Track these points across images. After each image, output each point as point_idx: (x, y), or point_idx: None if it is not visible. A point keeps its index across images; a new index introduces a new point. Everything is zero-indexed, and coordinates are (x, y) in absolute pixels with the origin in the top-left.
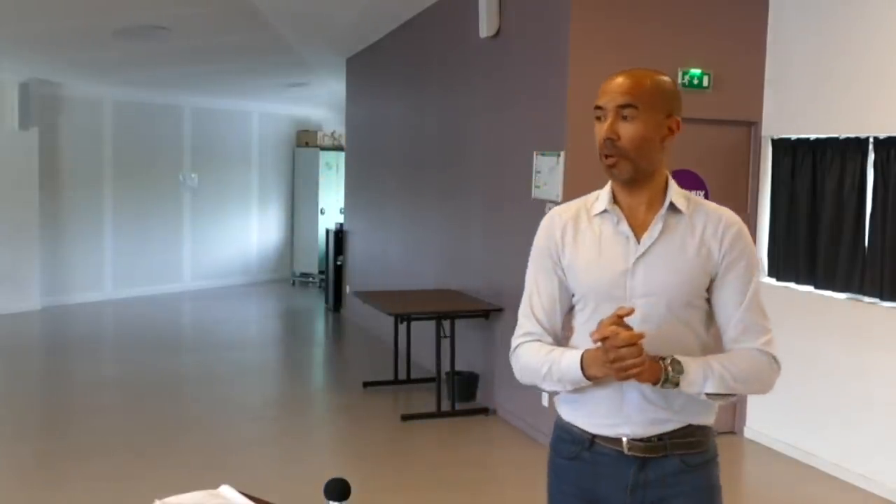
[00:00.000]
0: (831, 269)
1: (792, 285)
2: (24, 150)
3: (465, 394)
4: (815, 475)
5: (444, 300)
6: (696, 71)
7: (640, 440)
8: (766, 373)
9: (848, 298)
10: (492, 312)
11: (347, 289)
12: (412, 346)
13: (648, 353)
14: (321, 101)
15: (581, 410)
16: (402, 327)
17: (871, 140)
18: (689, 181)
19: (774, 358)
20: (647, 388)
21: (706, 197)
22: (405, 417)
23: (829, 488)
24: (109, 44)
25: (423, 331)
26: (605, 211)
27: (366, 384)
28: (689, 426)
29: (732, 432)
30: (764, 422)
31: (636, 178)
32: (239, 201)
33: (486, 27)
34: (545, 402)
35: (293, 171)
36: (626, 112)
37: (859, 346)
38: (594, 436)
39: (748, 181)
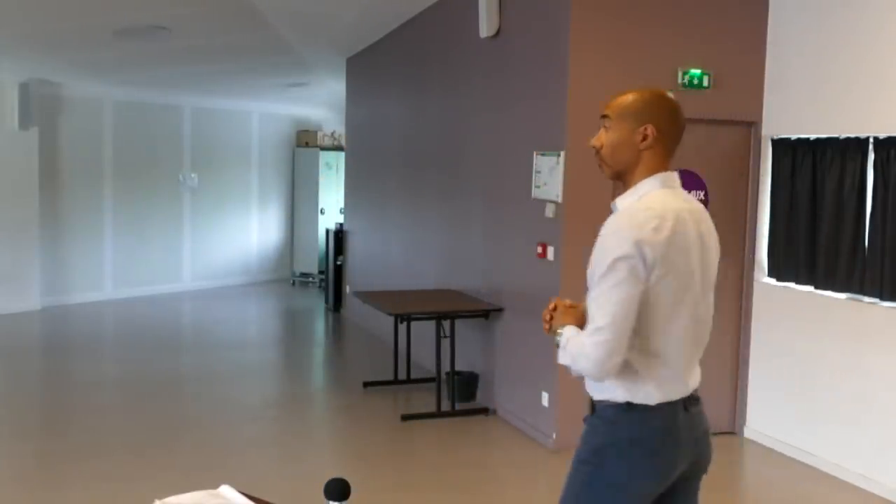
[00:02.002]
0: (831, 269)
1: (792, 285)
2: (24, 150)
3: (465, 394)
4: (815, 475)
5: (444, 300)
6: (696, 71)
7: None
8: (580, 357)
9: (848, 298)
10: (492, 312)
11: (347, 289)
12: (412, 346)
13: (570, 322)
14: (321, 101)
15: None
16: (402, 327)
17: (871, 140)
18: (689, 181)
19: (586, 347)
20: None
21: (706, 197)
22: (405, 417)
23: (829, 488)
24: (109, 44)
25: (423, 331)
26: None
27: (366, 384)
28: (589, 393)
29: (732, 432)
30: (764, 422)
31: (619, 177)
32: (239, 201)
33: (486, 27)
34: (545, 402)
35: (293, 171)
36: (605, 123)
37: (859, 346)
38: None
39: (748, 181)
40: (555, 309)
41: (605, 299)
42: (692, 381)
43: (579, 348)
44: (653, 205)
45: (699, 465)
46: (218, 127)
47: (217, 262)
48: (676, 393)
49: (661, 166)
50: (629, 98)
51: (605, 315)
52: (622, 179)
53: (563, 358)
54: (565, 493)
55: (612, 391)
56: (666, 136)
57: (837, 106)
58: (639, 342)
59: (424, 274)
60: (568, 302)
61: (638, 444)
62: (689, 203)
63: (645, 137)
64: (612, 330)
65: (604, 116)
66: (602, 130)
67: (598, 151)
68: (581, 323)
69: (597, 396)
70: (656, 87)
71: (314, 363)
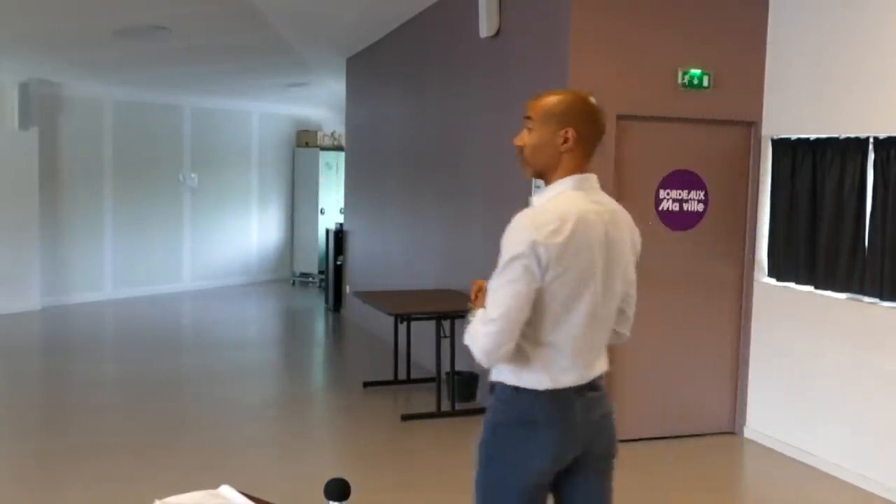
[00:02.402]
0: (831, 269)
1: (792, 285)
2: (24, 150)
3: (465, 394)
4: (815, 475)
5: (444, 300)
6: (696, 71)
7: None
8: (472, 342)
9: (848, 298)
10: None
11: (347, 289)
12: (412, 346)
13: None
14: (321, 101)
15: None
16: (402, 327)
17: (871, 140)
18: (689, 181)
19: (478, 334)
20: None
21: (706, 197)
22: (405, 417)
23: (829, 488)
24: (109, 44)
25: (423, 331)
26: None
27: (366, 384)
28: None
29: (732, 432)
30: (764, 422)
31: (539, 176)
32: (239, 201)
33: (486, 27)
34: None
35: (293, 171)
36: (528, 124)
37: (859, 346)
38: None
39: (748, 181)
40: (479, 289)
41: (501, 293)
42: (593, 370)
43: (474, 335)
44: (558, 206)
45: (602, 448)
46: (218, 127)
47: (217, 262)
48: (570, 381)
49: (580, 168)
50: (552, 101)
51: (498, 307)
52: (543, 178)
53: (467, 339)
54: (476, 473)
55: (505, 374)
56: (585, 139)
57: (837, 106)
58: (532, 333)
59: (424, 274)
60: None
61: (526, 425)
62: (601, 205)
63: (566, 140)
64: (504, 322)
65: (527, 118)
66: (525, 131)
67: (520, 151)
68: (482, 306)
69: (494, 377)
70: (578, 91)
71: (314, 363)
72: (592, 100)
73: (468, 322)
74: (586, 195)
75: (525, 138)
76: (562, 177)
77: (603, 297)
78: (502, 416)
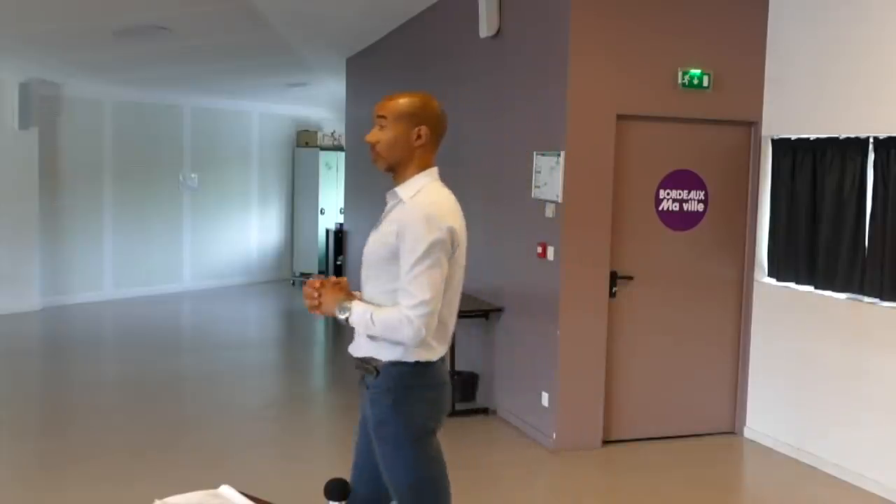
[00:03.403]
0: (831, 269)
1: (792, 285)
2: (24, 150)
3: (465, 394)
4: (815, 475)
5: None
6: (696, 71)
7: (356, 358)
8: (401, 327)
9: (848, 298)
10: (492, 312)
11: None
12: None
13: (342, 297)
14: (321, 101)
15: None
16: None
17: (871, 140)
18: (689, 181)
19: (410, 319)
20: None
21: (706, 197)
22: None
23: (829, 488)
24: (109, 44)
25: None
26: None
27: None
28: (371, 356)
29: (732, 432)
30: (764, 422)
31: (392, 170)
32: (239, 201)
33: (486, 27)
34: (545, 402)
35: (293, 171)
36: (381, 122)
37: (859, 346)
38: None
39: (748, 181)
40: (321, 286)
41: (426, 277)
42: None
43: (398, 320)
44: (444, 196)
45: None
46: (218, 127)
47: (217, 262)
48: (444, 350)
49: (430, 162)
50: (405, 101)
51: (427, 291)
52: (395, 172)
53: (370, 329)
54: (384, 461)
55: (402, 353)
56: (435, 136)
57: (837, 106)
58: None
59: None
60: (334, 279)
61: (426, 392)
62: (454, 196)
63: (419, 137)
64: (436, 303)
65: (380, 116)
66: (377, 128)
67: (373, 147)
68: (349, 298)
69: (384, 358)
70: (426, 93)
71: (314, 363)
72: (437, 101)
73: (345, 320)
74: (443, 186)
75: (378, 135)
76: (416, 170)
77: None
78: (400, 392)
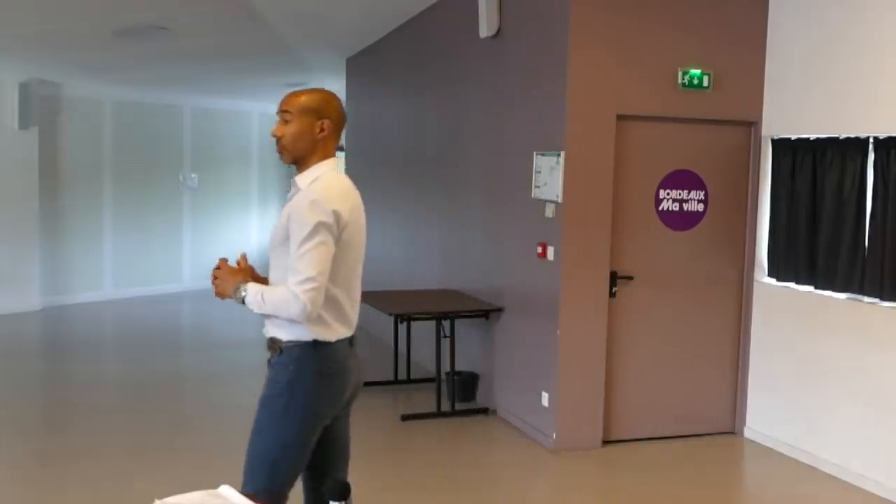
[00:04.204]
0: (831, 269)
1: (792, 285)
2: (24, 150)
3: (465, 394)
4: (815, 475)
5: (444, 300)
6: (696, 71)
7: (267, 339)
8: (289, 303)
9: (848, 298)
10: (492, 312)
11: None
12: (412, 346)
13: (241, 279)
14: None
15: None
16: (402, 327)
17: (871, 140)
18: (689, 181)
19: (297, 294)
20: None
21: (706, 197)
22: (405, 417)
23: (829, 488)
24: (109, 44)
25: (423, 331)
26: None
27: (366, 384)
28: (274, 337)
29: (732, 432)
30: (764, 422)
31: (296, 162)
32: (239, 201)
33: (486, 27)
34: (545, 402)
35: (293, 171)
36: (285, 116)
37: (859, 346)
38: None
39: (748, 181)
40: (220, 269)
41: (312, 255)
42: (354, 322)
43: (286, 297)
44: (336, 183)
45: (355, 392)
46: (218, 127)
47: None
48: (345, 332)
49: (331, 153)
50: (308, 97)
51: (313, 267)
52: (299, 163)
53: (263, 308)
54: (257, 432)
55: (301, 332)
56: (336, 129)
57: (837, 106)
58: (327, 290)
59: (424, 274)
60: (240, 262)
61: (322, 375)
62: (352, 183)
63: (322, 130)
64: (322, 279)
65: (284, 111)
66: (282, 123)
67: (279, 140)
68: (246, 280)
69: (285, 338)
70: (326, 90)
71: None
72: (337, 96)
73: (242, 301)
74: (343, 176)
75: (282, 129)
76: (318, 161)
77: (362, 260)
78: (298, 371)
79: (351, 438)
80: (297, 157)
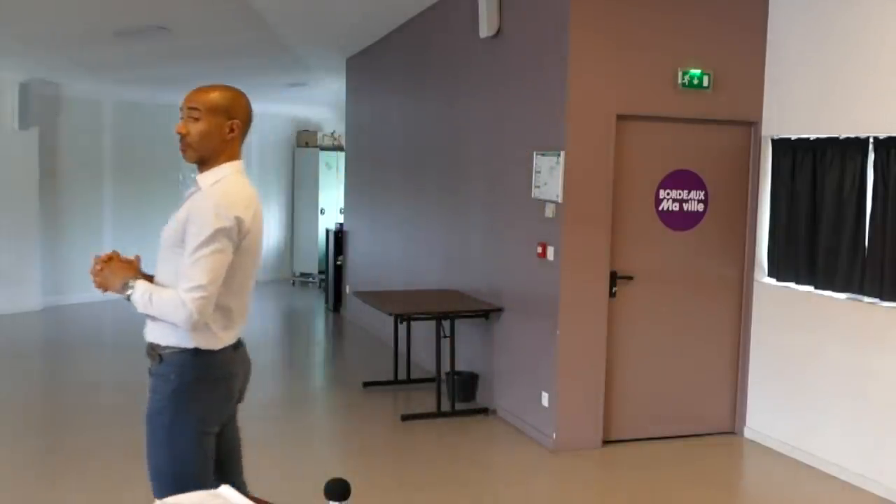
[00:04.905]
0: (831, 269)
1: (792, 285)
2: (24, 150)
3: (464, 394)
4: (815, 475)
5: (444, 300)
6: (696, 71)
7: (147, 344)
8: (175, 308)
9: (848, 298)
10: (492, 312)
11: (347, 289)
12: (412, 346)
13: (130, 275)
14: (321, 101)
15: None
16: (402, 327)
17: (871, 140)
18: (689, 181)
19: (184, 301)
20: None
21: (706, 197)
22: (405, 417)
23: (829, 488)
24: (109, 44)
25: (423, 331)
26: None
27: (366, 384)
28: (155, 343)
29: (732, 432)
30: (764, 422)
31: (202, 161)
32: None
33: (486, 27)
34: (545, 402)
35: (293, 171)
36: (193, 114)
37: (859, 346)
38: None
39: (748, 181)
40: (108, 261)
41: (206, 262)
42: (243, 328)
43: (174, 301)
44: (239, 188)
45: (244, 390)
46: None
47: None
48: (230, 340)
49: (237, 154)
50: (218, 95)
51: (205, 275)
52: (204, 163)
53: (148, 308)
54: (151, 447)
55: (183, 338)
56: (244, 130)
57: (837, 106)
58: (217, 298)
59: (424, 274)
60: (123, 257)
61: (207, 381)
62: (254, 190)
63: (232, 130)
64: (214, 287)
65: (192, 108)
66: (189, 121)
67: (183, 138)
68: (136, 277)
69: (164, 343)
70: (236, 88)
71: (314, 363)
72: (246, 95)
73: (127, 294)
74: (245, 180)
75: (189, 127)
76: (224, 162)
77: (258, 265)
78: (181, 380)
79: (241, 438)
80: (203, 156)
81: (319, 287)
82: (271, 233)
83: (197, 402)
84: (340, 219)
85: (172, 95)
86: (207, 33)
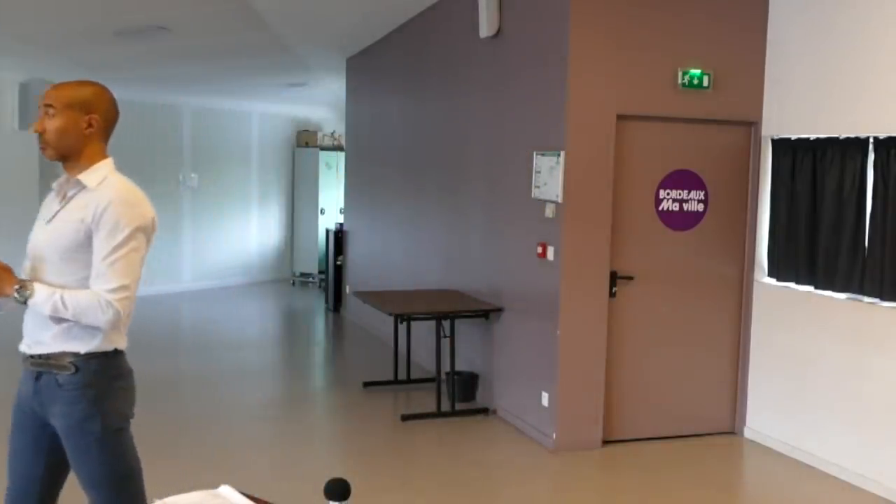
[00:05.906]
0: (831, 269)
1: (792, 285)
2: (24, 150)
3: (464, 394)
4: (815, 475)
5: (444, 300)
6: (696, 71)
7: (32, 356)
8: (97, 310)
9: (848, 298)
10: (492, 312)
11: (347, 289)
12: (412, 346)
13: (14, 281)
14: (321, 101)
15: None
16: (402, 327)
17: (871, 140)
18: (689, 181)
19: (109, 302)
20: (34, 315)
21: (706, 197)
22: (405, 417)
23: (829, 488)
24: (109, 44)
25: (423, 331)
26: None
27: (366, 384)
28: (64, 351)
29: (732, 432)
30: (764, 422)
31: (64, 159)
32: (239, 201)
33: (486, 27)
34: (545, 401)
35: (293, 171)
36: (48, 111)
37: (859, 346)
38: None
39: (748, 181)
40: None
41: (126, 262)
42: None
43: (94, 304)
44: (132, 185)
45: None
46: (218, 127)
47: (217, 262)
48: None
49: (103, 151)
50: (75, 90)
51: (127, 275)
52: (68, 160)
53: (61, 312)
54: (86, 460)
55: (101, 342)
56: (107, 125)
57: (837, 106)
58: None
59: (424, 274)
60: (2, 264)
61: (121, 379)
62: None
63: (90, 125)
64: (135, 287)
65: (47, 105)
66: (45, 117)
67: (41, 136)
68: (13, 282)
69: (84, 350)
70: (97, 82)
71: (314, 363)
72: (109, 90)
73: (24, 298)
74: (125, 177)
75: (45, 124)
76: (89, 159)
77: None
78: (101, 385)
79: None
80: (63, 154)
81: (319, 287)
82: (271, 233)
83: (121, 401)
84: (340, 219)
85: (172, 95)
86: (207, 33)
